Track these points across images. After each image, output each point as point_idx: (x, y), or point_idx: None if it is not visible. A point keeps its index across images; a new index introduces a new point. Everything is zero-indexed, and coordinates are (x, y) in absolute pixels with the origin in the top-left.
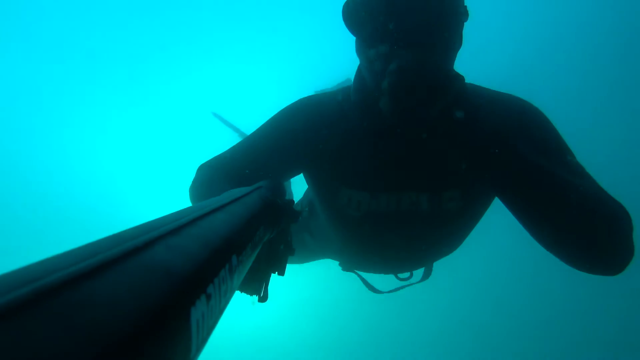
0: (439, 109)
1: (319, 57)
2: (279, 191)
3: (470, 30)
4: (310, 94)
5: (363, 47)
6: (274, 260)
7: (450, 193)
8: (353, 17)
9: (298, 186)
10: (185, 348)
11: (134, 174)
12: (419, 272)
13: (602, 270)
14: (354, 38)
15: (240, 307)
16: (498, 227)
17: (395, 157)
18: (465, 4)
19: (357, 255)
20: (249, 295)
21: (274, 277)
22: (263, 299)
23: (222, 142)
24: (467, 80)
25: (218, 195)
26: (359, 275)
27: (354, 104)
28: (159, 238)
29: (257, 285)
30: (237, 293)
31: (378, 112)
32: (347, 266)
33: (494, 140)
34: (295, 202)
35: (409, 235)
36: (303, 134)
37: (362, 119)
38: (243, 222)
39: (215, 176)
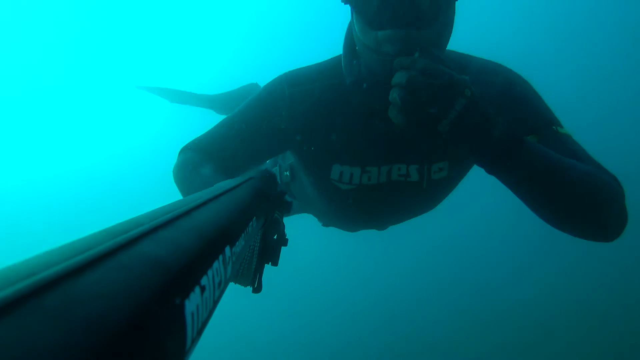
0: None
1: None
2: (271, 182)
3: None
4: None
5: (366, 27)
6: (267, 250)
7: (439, 164)
8: None
9: None
10: (181, 341)
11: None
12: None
13: (601, 238)
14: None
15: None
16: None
17: (386, 132)
18: None
19: (340, 219)
20: (242, 287)
21: (268, 268)
22: (257, 289)
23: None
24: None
25: (204, 179)
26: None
27: (349, 84)
28: (151, 231)
29: (251, 276)
30: (231, 284)
31: (374, 92)
32: (328, 223)
33: None
34: (274, 167)
35: (397, 204)
36: (292, 116)
37: (355, 99)
38: (235, 213)
39: (199, 159)
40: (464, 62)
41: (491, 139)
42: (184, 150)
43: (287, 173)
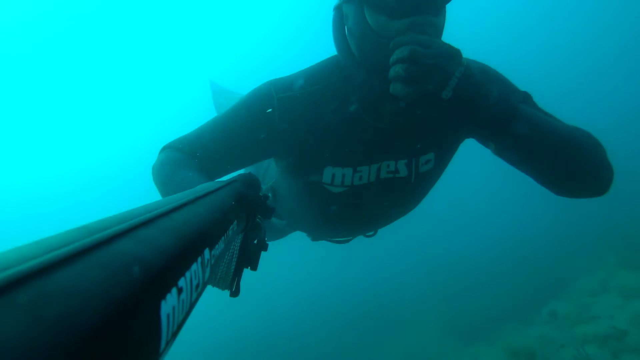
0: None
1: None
2: (254, 186)
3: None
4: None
5: (385, 20)
6: (247, 255)
7: (426, 156)
8: None
9: None
10: (155, 342)
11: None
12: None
13: (592, 194)
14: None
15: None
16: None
17: (376, 132)
18: None
19: (331, 227)
20: (220, 290)
21: (246, 272)
22: (235, 293)
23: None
24: None
25: (184, 180)
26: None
27: (342, 82)
28: (130, 230)
29: (229, 280)
30: (209, 287)
31: (371, 84)
32: (317, 237)
33: None
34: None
35: (386, 202)
36: (281, 121)
37: (345, 99)
38: (217, 215)
39: (181, 159)
40: None
41: (490, 102)
42: (165, 149)
43: (270, 195)
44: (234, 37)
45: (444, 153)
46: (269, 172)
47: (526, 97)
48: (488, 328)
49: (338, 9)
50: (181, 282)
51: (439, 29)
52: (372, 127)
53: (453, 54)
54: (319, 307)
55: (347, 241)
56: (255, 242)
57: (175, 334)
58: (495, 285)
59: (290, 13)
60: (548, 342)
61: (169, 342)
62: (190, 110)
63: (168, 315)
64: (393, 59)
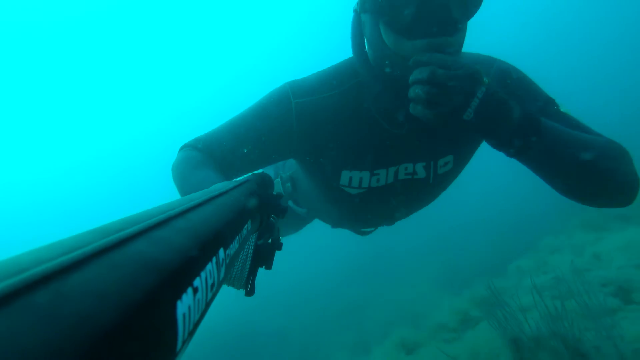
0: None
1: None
2: (267, 185)
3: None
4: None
5: (400, 38)
6: (262, 254)
7: (445, 159)
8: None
9: None
10: (171, 341)
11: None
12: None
13: (614, 206)
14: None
15: None
16: None
17: (393, 137)
18: None
19: (350, 220)
20: (236, 289)
21: (261, 271)
22: (250, 292)
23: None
24: None
25: (201, 179)
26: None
27: (359, 88)
28: (146, 230)
29: (244, 279)
30: (224, 287)
31: (388, 95)
32: (337, 225)
33: None
34: (275, 179)
35: (405, 200)
36: (299, 125)
37: (361, 105)
38: (231, 215)
39: (199, 158)
40: (459, 55)
41: (512, 121)
42: (185, 148)
43: (289, 184)
44: (248, 35)
45: (463, 154)
46: (288, 161)
47: (549, 103)
48: (469, 282)
49: (357, 13)
50: (196, 282)
51: (457, 46)
52: (389, 132)
53: (474, 73)
54: (324, 264)
55: (369, 232)
56: (270, 241)
57: (191, 334)
58: (481, 244)
59: (310, 11)
60: (506, 289)
61: (185, 342)
62: (200, 108)
63: (184, 315)
64: (412, 79)
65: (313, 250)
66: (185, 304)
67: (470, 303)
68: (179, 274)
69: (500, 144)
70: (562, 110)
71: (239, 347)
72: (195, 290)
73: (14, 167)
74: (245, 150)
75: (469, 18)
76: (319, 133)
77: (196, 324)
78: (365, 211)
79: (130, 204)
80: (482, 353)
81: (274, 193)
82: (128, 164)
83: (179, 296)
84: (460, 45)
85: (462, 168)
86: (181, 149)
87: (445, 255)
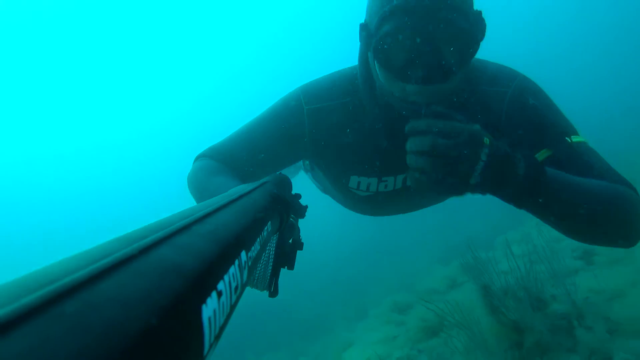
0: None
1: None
2: (286, 185)
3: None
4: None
5: (393, 78)
6: (283, 255)
7: None
8: (381, 51)
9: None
10: (198, 346)
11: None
12: None
13: (623, 246)
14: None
15: None
16: None
17: (401, 145)
18: (482, 19)
19: (361, 212)
20: (259, 291)
21: (284, 272)
22: (273, 293)
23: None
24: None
25: (218, 185)
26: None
27: (367, 106)
28: (168, 237)
29: (267, 281)
30: (247, 288)
31: (389, 112)
32: (350, 209)
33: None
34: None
35: (413, 203)
36: (310, 131)
37: (372, 117)
38: (251, 218)
39: (215, 166)
40: (477, 70)
41: (518, 178)
42: (199, 158)
43: (307, 162)
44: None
45: None
46: None
47: (563, 133)
48: (461, 254)
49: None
50: (220, 286)
51: (455, 89)
52: (396, 141)
53: (475, 136)
54: (329, 240)
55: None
56: (291, 241)
57: (217, 337)
58: (475, 222)
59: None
60: (491, 259)
61: (212, 345)
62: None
63: (209, 319)
64: (411, 149)
65: (319, 226)
66: (210, 307)
67: (458, 270)
68: (202, 278)
69: (507, 200)
70: (575, 140)
71: (245, 319)
72: (220, 294)
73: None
74: (260, 156)
75: (464, 64)
76: (329, 139)
77: (222, 328)
78: (374, 209)
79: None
80: (463, 305)
81: (293, 193)
82: (133, 159)
83: (203, 300)
84: (459, 88)
85: None
86: (196, 159)
87: (443, 233)
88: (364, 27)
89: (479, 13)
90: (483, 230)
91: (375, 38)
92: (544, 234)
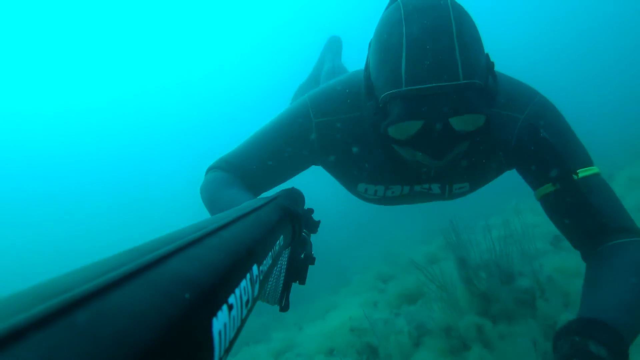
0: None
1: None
2: (298, 199)
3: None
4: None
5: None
6: (295, 269)
7: (459, 184)
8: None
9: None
10: (208, 359)
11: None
12: None
13: None
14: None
15: None
16: None
17: (407, 162)
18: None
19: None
20: (270, 305)
21: (295, 286)
22: (284, 308)
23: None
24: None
25: (230, 198)
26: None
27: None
28: (180, 249)
29: (278, 295)
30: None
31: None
32: None
33: (497, 153)
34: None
35: (421, 202)
36: (319, 143)
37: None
38: (263, 232)
39: (226, 178)
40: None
41: None
42: (211, 170)
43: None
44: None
45: (480, 183)
46: None
47: (570, 169)
48: (445, 234)
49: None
50: (231, 299)
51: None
52: (403, 159)
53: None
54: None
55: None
56: (303, 256)
57: (227, 351)
58: (460, 208)
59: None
60: (471, 239)
61: (222, 359)
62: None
63: (220, 332)
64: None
65: (308, 200)
66: (220, 321)
67: (439, 249)
68: (214, 291)
69: None
70: (583, 175)
71: None
72: (231, 307)
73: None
74: (270, 166)
75: (478, 133)
76: (337, 151)
77: (232, 341)
78: (382, 205)
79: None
80: (442, 275)
81: (305, 207)
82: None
83: (214, 313)
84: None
85: (480, 187)
86: (207, 171)
87: (427, 216)
88: (369, 88)
89: (491, 67)
90: (466, 215)
91: (384, 122)
92: (522, 220)
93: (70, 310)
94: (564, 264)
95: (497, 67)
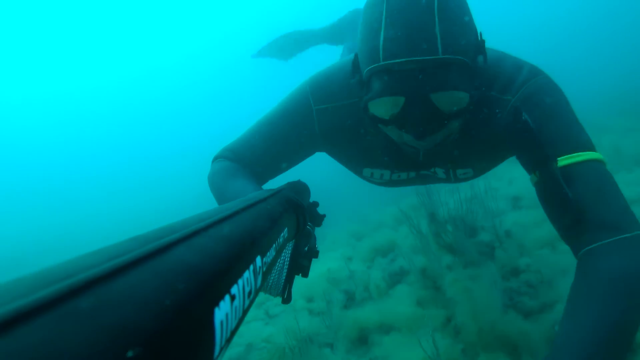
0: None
1: None
2: (303, 192)
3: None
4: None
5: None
6: (298, 262)
7: (463, 170)
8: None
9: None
10: (209, 348)
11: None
12: None
13: None
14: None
15: None
16: None
17: (410, 151)
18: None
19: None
20: (272, 297)
21: (297, 279)
22: (287, 300)
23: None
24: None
25: (236, 188)
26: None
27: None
28: (184, 239)
29: (281, 287)
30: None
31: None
32: None
33: (495, 140)
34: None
35: (428, 184)
36: (320, 130)
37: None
38: (268, 223)
39: (232, 168)
40: (492, 74)
41: None
42: (217, 159)
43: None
44: None
45: (484, 169)
46: None
47: (555, 154)
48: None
49: None
50: (234, 290)
51: (450, 132)
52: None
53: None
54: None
55: None
56: (306, 249)
57: (228, 341)
58: None
59: None
60: (441, 201)
61: (223, 349)
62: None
63: (222, 322)
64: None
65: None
66: (223, 311)
67: (407, 208)
68: (217, 281)
69: None
70: (569, 162)
71: None
72: (233, 298)
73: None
74: (274, 154)
75: (463, 115)
76: (338, 137)
77: (233, 332)
78: (389, 187)
79: None
80: (409, 237)
81: (310, 201)
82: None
83: (216, 303)
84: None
85: (486, 172)
86: (214, 160)
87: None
88: (355, 65)
89: (482, 43)
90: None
91: (365, 97)
92: (486, 183)
93: (74, 296)
94: (521, 219)
95: (511, 46)
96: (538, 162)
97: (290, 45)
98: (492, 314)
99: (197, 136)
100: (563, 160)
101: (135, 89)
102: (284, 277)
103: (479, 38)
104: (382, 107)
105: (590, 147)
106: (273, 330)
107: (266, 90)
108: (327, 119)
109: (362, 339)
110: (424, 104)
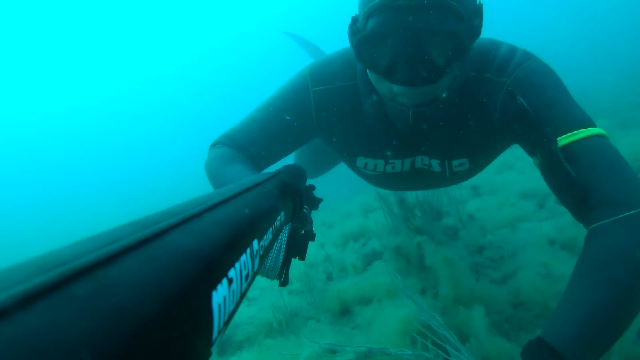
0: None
1: None
2: (299, 176)
3: None
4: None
5: (380, 78)
6: (295, 245)
7: (459, 160)
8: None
9: None
10: (207, 331)
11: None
12: None
13: None
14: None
15: None
16: None
17: (406, 130)
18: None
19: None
20: (270, 280)
21: (294, 262)
22: (284, 283)
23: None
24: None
25: (233, 174)
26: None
27: (363, 95)
28: (181, 223)
29: (278, 270)
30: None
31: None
32: None
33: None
34: None
35: (423, 185)
36: (317, 112)
37: (376, 103)
38: (264, 207)
39: (229, 154)
40: (487, 55)
41: None
42: (214, 146)
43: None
44: None
45: (480, 159)
46: None
47: (554, 134)
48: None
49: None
50: (231, 273)
51: (443, 89)
52: (400, 127)
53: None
54: None
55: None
56: (303, 232)
57: (226, 324)
58: None
59: None
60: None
61: (220, 332)
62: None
63: (219, 305)
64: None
65: None
66: (220, 294)
67: (374, 198)
68: (214, 265)
69: None
70: (570, 140)
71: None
72: (230, 281)
73: None
74: (272, 140)
75: (454, 66)
76: (334, 120)
77: (231, 315)
78: (385, 186)
79: None
80: (379, 223)
81: (307, 184)
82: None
83: (214, 287)
84: (448, 87)
85: (482, 168)
86: (211, 147)
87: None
88: (354, 21)
89: (479, 7)
90: None
91: (358, 36)
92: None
93: (70, 282)
94: (482, 205)
95: (509, 34)
96: (538, 144)
97: (316, 54)
98: (469, 281)
99: (202, 140)
100: (563, 140)
101: (138, 92)
102: (280, 260)
103: (477, 1)
104: (374, 48)
105: (589, 124)
106: (255, 310)
107: (270, 92)
108: (323, 100)
109: (344, 312)
110: (415, 43)
